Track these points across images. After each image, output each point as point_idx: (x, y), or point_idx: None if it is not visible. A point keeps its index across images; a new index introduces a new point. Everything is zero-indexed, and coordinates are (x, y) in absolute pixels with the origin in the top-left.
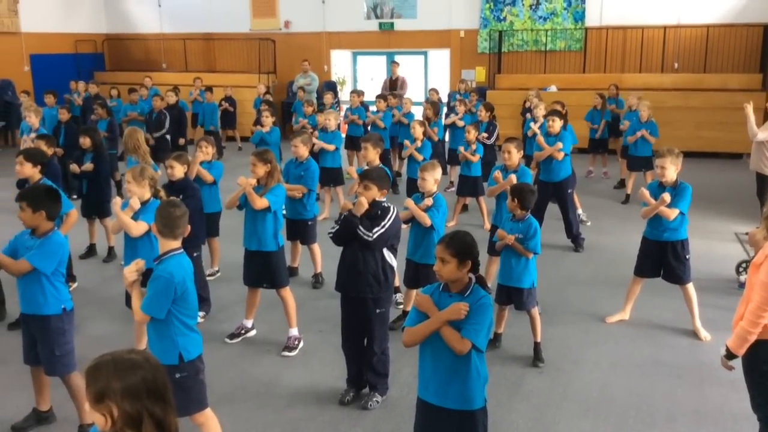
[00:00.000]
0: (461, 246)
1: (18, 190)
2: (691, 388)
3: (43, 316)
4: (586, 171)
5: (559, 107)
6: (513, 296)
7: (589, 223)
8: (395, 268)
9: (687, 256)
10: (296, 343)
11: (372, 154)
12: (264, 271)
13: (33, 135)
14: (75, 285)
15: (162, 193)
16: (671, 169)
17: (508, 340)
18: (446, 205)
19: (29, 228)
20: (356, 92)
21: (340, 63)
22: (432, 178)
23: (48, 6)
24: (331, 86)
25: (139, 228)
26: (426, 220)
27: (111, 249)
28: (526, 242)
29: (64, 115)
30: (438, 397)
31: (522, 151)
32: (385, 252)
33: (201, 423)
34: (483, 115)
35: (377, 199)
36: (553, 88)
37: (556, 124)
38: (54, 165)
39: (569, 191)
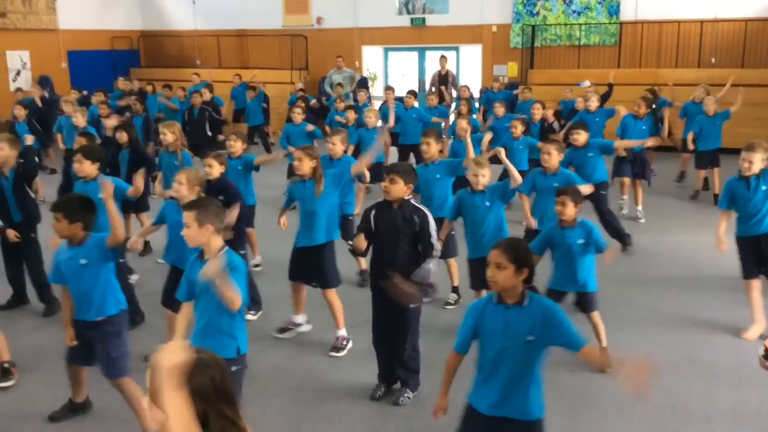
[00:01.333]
0: (521, 252)
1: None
2: (728, 388)
3: (101, 321)
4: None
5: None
6: (580, 300)
7: (643, 221)
8: None
9: None
10: (344, 343)
11: (434, 149)
12: (314, 268)
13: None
14: (137, 277)
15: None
16: (757, 164)
17: None
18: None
19: (63, 238)
20: (390, 88)
21: (371, 59)
22: (487, 174)
23: (85, 3)
24: (362, 82)
25: None
26: (518, 177)
27: (147, 243)
28: (593, 243)
29: (104, 111)
30: (497, 408)
31: (563, 154)
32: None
33: None
34: (537, 113)
35: (405, 197)
36: (587, 84)
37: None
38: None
39: (602, 193)
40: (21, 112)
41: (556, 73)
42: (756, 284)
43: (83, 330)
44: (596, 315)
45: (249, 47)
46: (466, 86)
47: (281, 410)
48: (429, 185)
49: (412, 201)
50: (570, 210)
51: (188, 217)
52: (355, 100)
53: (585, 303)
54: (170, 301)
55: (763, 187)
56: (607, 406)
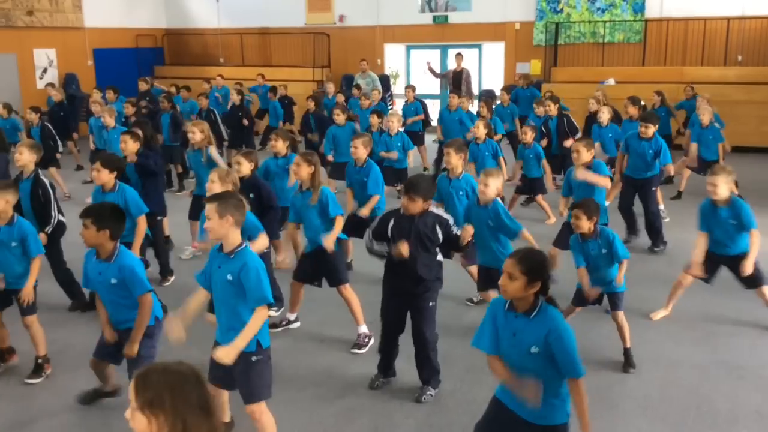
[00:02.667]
0: (534, 264)
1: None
2: (754, 389)
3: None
4: None
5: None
6: (609, 298)
7: (667, 219)
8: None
9: None
10: (366, 340)
11: (455, 159)
12: (322, 268)
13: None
14: (172, 278)
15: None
16: (723, 188)
17: None
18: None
19: (90, 246)
20: (410, 87)
21: (393, 57)
22: (495, 186)
23: (110, 2)
24: (384, 80)
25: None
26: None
27: (167, 237)
28: (613, 254)
29: (129, 110)
30: (518, 408)
31: (593, 150)
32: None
33: (258, 417)
34: (552, 109)
35: (426, 210)
36: (611, 81)
37: (650, 131)
38: (142, 158)
39: (653, 189)
40: (33, 117)
41: (579, 70)
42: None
43: (120, 334)
44: (621, 315)
45: (272, 45)
46: (486, 99)
47: (303, 406)
48: (450, 199)
49: (432, 209)
50: (584, 223)
51: (210, 209)
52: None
53: (611, 302)
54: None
55: (732, 222)
56: (631, 406)
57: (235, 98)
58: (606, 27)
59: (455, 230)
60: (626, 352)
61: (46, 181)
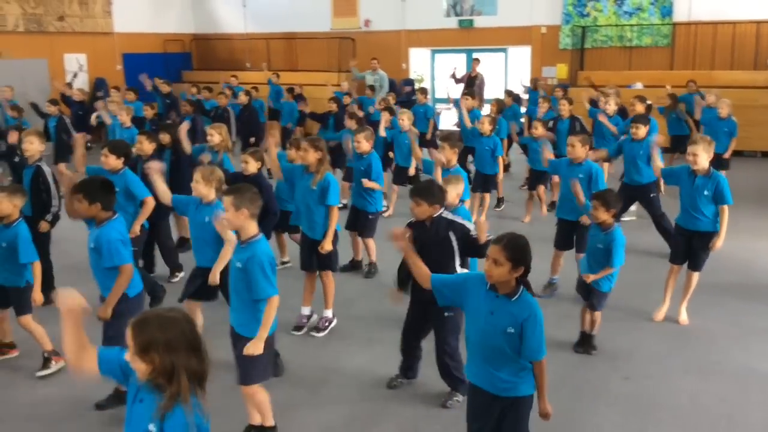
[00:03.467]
0: (518, 251)
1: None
2: None
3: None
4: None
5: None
6: (591, 296)
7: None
8: None
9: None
10: (326, 324)
11: (449, 153)
12: (315, 254)
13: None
14: (182, 274)
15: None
16: (703, 157)
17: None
18: None
19: (85, 218)
20: (422, 90)
21: (418, 61)
22: (455, 192)
23: (139, 7)
24: (408, 84)
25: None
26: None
27: (185, 239)
28: (607, 254)
29: (148, 112)
30: (484, 382)
31: (588, 146)
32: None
33: (251, 395)
34: (565, 109)
35: (435, 214)
36: (639, 85)
37: (641, 131)
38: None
39: (652, 195)
40: (52, 109)
41: (606, 74)
42: (675, 269)
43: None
44: (598, 315)
45: (297, 50)
46: (509, 91)
47: (330, 409)
48: None
49: (445, 215)
50: (601, 214)
51: (227, 201)
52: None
53: (594, 300)
54: (193, 294)
55: (705, 192)
56: (661, 414)
57: (243, 99)
58: (633, 31)
59: (473, 233)
60: (586, 336)
61: (48, 170)
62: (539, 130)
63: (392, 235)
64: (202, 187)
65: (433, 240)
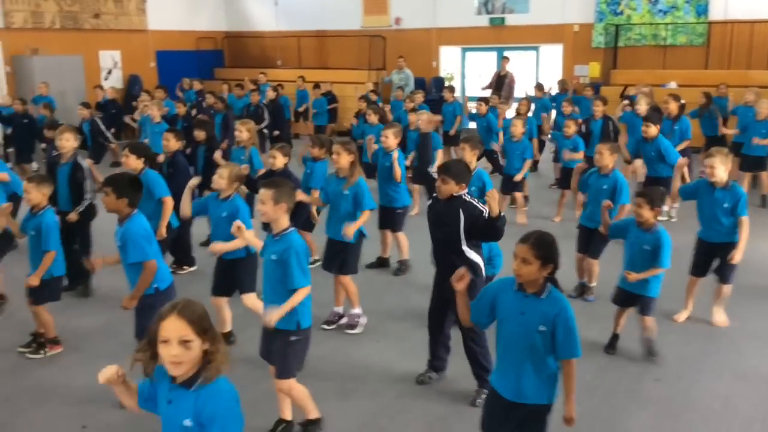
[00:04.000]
0: (548, 249)
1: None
2: None
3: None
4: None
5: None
6: (639, 302)
7: (674, 220)
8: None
9: None
10: (357, 320)
11: (469, 155)
12: (337, 257)
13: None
14: (193, 268)
15: (243, 189)
16: (721, 169)
17: (626, 344)
18: None
19: (110, 212)
20: (449, 88)
21: (448, 59)
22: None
23: (173, 5)
24: (438, 83)
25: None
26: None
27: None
28: (654, 256)
29: (180, 109)
30: (511, 392)
31: (616, 156)
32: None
33: (288, 392)
34: (598, 110)
35: (455, 193)
36: (673, 85)
37: (651, 130)
38: (181, 157)
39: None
40: (84, 112)
41: (640, 73)
42: (695, 281)
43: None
44: (649, 320)
45: (328, 48)
46: (539, 85)
47: (358, 405)
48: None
49: (465, 196)
50: (646, 212)
51: (265, 194)
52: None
53: (641, 305)
54: (218, 290)
55: (725, 205)
56: (693, 416)
57: (270, 94)
58: (668, 29)
59: (485, 214)
60: (647, 341)
61: (85, 166)
62: (571, 128)
63: (456, 275)
64: (225, 183)
65: (446, 216)
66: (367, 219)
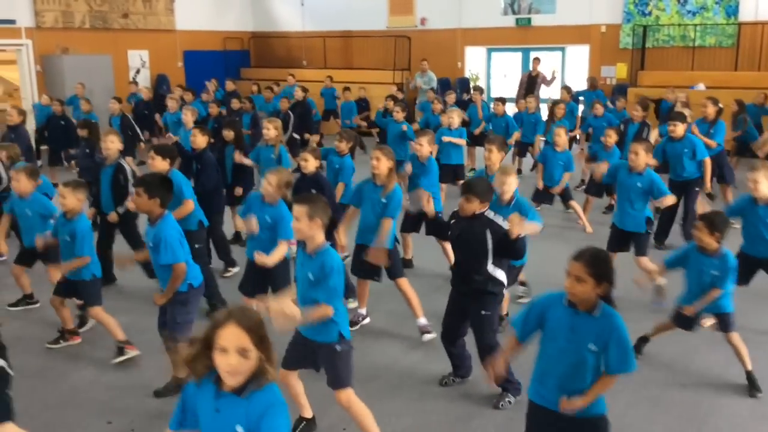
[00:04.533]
0: (602, 267)
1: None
2: None
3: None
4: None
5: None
6: (718, 321)
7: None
8: None
9: None
10: (428, 328)
11: (495, 157)
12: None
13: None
14: (236, 269)
15: (288, 195)
16: (764, 184)
17: (652, 348)
18: None
19: (142, 212)
20: (478, 89)
21: (474, 59)
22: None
23: (200, 5)
24: (463, 83)
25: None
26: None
27: (239, 233)
28: (720, 279)
29: (213, 109)
30: (554, 404)
31: (651, 155)
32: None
33: (347, 406)
34: (637, 114)
35: (477, 211)
36: (701, 87)
37: (678, 129)
38: (209, 153)
39: (697, 189)
40: (115, 107)
41: (667, 75)
42: None
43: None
44: (734, 336)
45: (353, 48)
46: (566, 87)
47: (381, 406)
48: None
49: (487, 214)
50: (704, 237)
51: (300, 211)
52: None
53: (720, 323)
54: (246, 289)
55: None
56: (719, 422)
57: (299, 94)
58: (697, 30)
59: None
60: (748, 375)
61: (128, 168)
62: (612, 138)
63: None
64: (273, 189)
65: (471, 236)
66: (389, 228)
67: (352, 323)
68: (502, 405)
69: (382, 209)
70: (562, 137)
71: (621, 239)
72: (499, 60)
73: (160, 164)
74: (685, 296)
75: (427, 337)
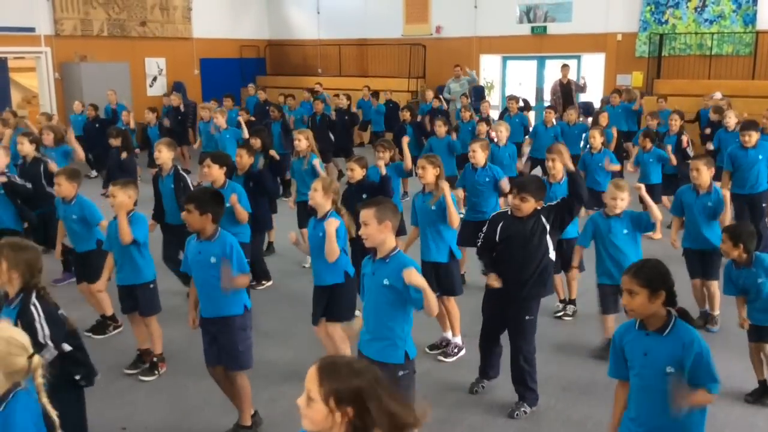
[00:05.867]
0: (652, 274)
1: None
2: None
3: (227, 317)
4: None
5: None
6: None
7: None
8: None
9: None
10: (455, 351)
11: (559, 165)
12: (434, 278)
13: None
14: (270, 283)
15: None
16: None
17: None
18: None
19: (194, 230)
20: (513, 98)
21: (489, 67)
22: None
23: (217, 13)
24: (478, 91)
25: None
26: (658, 214)
27: (271, 243)
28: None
29: (243, 117)
30: None
31: (713, 168)
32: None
33: None
34: (675, 125)
35: (535, 210)
36: (718, 95)
37: (753, 138)
38: (262, 173)
39: (764, 205)
40: (151, 117)
41: (684, 83)
42: None
43: (208, 325)
44: None
45: (369, 56)
46: (617, 92)
47: None
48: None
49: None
50: (729, 249)
51: (367, 215)
52: (477, 111)
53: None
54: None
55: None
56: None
57: (343, 102)
58: (713, 39)
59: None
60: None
61: (186, 176)
62: (649, 144)
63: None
64: (320, 197)
65: (529, 232)
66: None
67: (435, 347)
68: (517, 414)
69: (435, 218)
70: (596, 139)
71: (700, 261)
72: (514, 68)
73: (216, 173)
74: (754, 310)
75: (444, 358)
